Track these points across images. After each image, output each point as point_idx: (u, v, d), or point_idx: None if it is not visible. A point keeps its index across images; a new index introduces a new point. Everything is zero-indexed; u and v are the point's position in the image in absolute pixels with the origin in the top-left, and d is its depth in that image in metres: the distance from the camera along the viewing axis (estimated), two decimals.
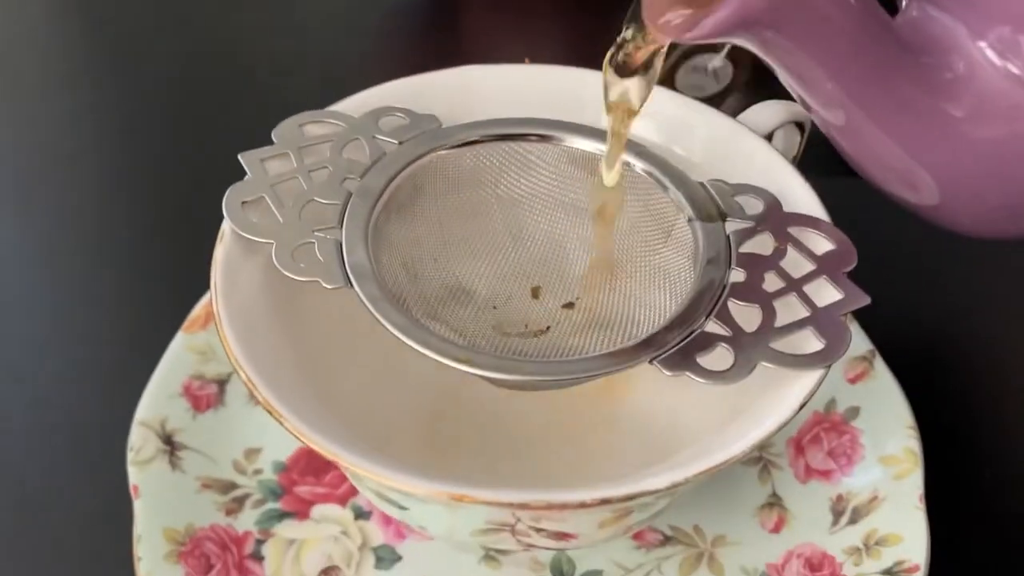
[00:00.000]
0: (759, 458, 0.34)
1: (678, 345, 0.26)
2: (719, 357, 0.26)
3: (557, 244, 0.31)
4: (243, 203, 0.28)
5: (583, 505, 0.23)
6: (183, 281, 0.36)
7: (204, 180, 0.43)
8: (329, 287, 0.27)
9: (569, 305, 0.29)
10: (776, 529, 0.33)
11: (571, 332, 0.28)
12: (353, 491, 0.33)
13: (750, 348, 0.26)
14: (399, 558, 0.32)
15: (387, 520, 0.33)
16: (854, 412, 0.34)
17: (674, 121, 0.31)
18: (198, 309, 0.35)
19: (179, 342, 0.35)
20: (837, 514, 0.33)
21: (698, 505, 0.33)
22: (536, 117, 0.31)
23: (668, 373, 0.25)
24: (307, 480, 0.34)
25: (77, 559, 0.33)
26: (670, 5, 0.25)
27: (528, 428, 0.28)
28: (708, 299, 0.27)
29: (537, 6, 0.51)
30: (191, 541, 0.31)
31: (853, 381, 0.35)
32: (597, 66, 0.29)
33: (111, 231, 0.43)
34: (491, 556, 0.32)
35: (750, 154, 0.31)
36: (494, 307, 0.29)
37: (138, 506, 0.31)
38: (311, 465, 0.34)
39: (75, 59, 0.52)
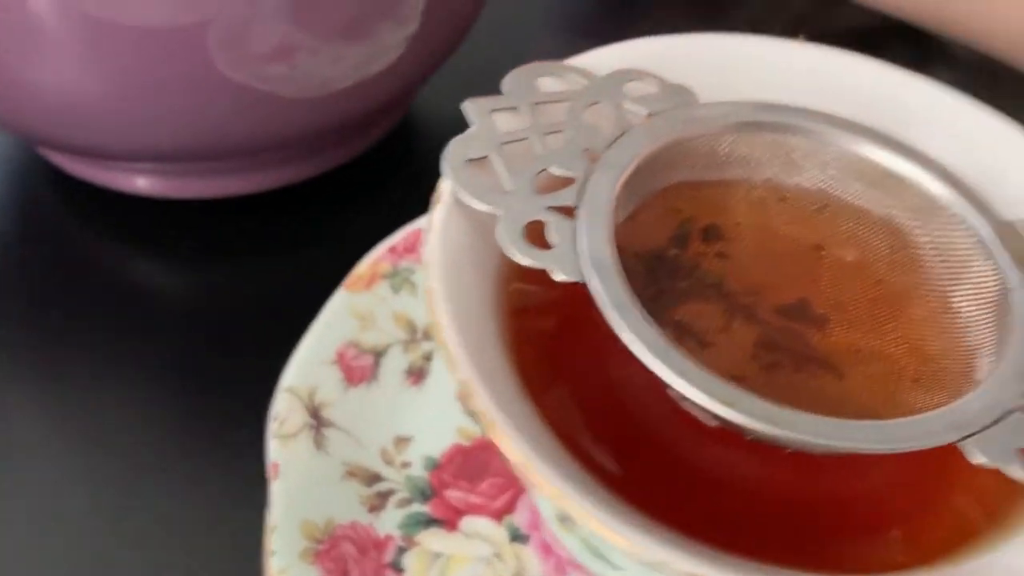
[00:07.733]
0: None
1: (992, 425, 0.20)
2: None
3: (819, 263, 0.26)
4: (467, 161, 0.23)
5: None
6: (351, 233, 0.31)
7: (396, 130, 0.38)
8: (560, 279, 0.22)
9: (839, 344, 0.24)
10: None
11: (850, 381, 0.23)
12: (510, 506, 0.29)
13: None
14: None
15: (547, 549, 0.28)
16: None
17: (986, 147, 0.26)
18: (363, 266, 0.31)
19: (339, 301, 0.30)
20: None
21: None
22: (815, 108, 0.26)
23: (982, 461, 0.20)
24: (460, 484, 0.29)
25: (199, 543, 0.29)
26: None
27: (777, 489, 0.23)
28: None
29: None
30: (329, 539, 0.27)
31: None
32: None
33: None
34: None
35: None
36: (746, 332, 0.24)
37: (276, 489, 0.26)
38: (466, 467, 0.29)
39: None
